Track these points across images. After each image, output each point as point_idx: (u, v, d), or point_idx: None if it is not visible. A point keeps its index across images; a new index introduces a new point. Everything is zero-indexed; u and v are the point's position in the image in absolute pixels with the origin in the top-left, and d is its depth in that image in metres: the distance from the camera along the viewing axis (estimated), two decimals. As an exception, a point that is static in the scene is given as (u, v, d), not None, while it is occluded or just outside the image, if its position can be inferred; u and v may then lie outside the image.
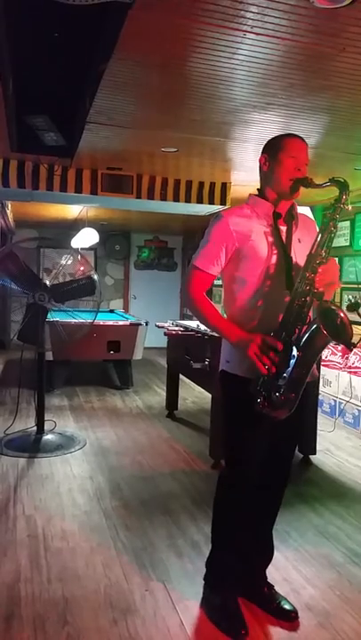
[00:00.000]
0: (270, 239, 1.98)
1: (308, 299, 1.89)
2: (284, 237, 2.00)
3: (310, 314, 1.97)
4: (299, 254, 1.99)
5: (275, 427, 1.97)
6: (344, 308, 5.58)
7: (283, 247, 1.98)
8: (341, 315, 1.89)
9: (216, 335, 2.66)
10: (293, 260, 1.97)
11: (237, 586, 2.18)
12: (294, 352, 1.87)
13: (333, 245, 1.95)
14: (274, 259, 1.97)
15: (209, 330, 2.14)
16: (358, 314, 3.88)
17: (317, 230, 2.02)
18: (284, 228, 2.02)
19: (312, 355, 1.90)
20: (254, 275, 1.97)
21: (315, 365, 1.97)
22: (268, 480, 2.14)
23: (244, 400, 1.93)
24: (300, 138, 2.03)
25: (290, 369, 1.88)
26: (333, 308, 1.92)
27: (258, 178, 2.13)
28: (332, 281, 1.97)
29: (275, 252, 1.97)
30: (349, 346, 1.88)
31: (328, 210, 1.95)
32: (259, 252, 1.96)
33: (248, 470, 2.06)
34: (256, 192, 2.09)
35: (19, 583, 2.33)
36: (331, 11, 1.96)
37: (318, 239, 1.92)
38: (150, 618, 2.12)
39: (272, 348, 1.86)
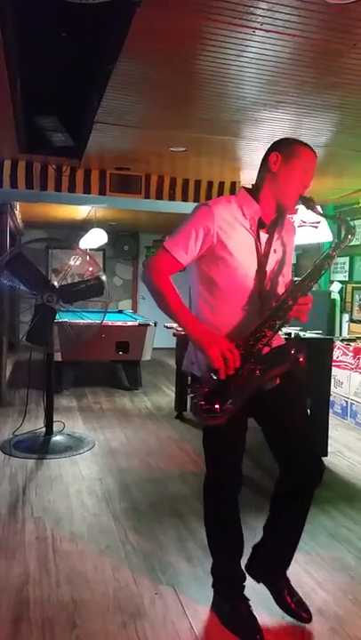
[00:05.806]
0: (250, 248, 1.86)
1: (278, 323, 1.83)
2: (263, 248, 1.88)
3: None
4: (271, 265, 1.90)
5: (268, 417, 1.95)
6: (356, 306, 5.47)
7: (259, 259, 1.87)
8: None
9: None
10: (267, 272, 1.89)
11: (242, 590, 2.12)
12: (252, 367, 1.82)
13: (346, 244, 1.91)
14: (249, 269, 1.86)
15: (169, 317, 2.05)
16: None
17: (294, 235, 2.03)
18: (265, 237, 1.90)
19: (263, 377, 1.84)
20: (225, 279, 1.86)
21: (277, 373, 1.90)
22: (291, 477, 2.01)
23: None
24: (314, 152, 1.89)
25: (238, 381, 1.80)
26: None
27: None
28: (302, 315, 1.88)
29: (251, 262, 1.86)
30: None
31: (330, 246, 1.90)
32: (235, 258, 1.84)
33: (226, 471, 2.01)
34: (249, 187, 1.96)
35: (27, 586, 2.31)
36: (342, 7, 1.93)
37: (310, 271, 1.86)
38: (160, 622, 2.10)
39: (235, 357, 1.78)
